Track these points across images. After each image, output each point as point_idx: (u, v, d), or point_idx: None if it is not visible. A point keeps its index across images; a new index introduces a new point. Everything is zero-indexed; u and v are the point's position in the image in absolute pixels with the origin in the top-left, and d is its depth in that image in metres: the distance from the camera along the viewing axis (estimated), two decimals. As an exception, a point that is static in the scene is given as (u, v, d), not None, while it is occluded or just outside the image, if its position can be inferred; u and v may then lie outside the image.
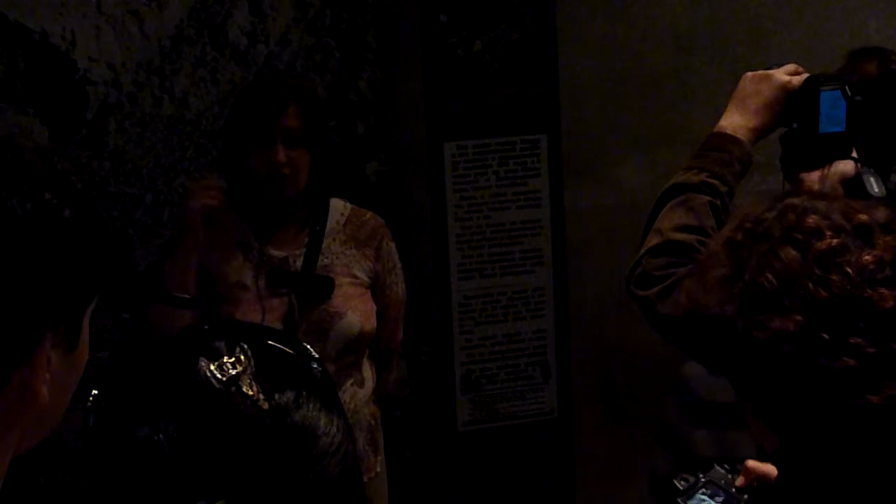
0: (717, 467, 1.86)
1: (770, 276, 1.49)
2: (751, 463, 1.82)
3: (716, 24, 4.12)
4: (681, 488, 1.83)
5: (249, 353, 1.14)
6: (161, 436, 1.10)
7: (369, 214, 3.30)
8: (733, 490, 1.81)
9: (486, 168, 3.94)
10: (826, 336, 1.45)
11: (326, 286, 3.14)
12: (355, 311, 3.16)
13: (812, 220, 1.52)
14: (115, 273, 3.66)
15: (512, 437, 4.03)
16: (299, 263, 3.15)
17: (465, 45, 3.87)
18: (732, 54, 4.12)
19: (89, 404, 1.14)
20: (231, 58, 3.80)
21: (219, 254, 3.13)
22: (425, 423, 4.00)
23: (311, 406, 1.14)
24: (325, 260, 3.17)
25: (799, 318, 1.46)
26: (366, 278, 3.23)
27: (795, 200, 1.56)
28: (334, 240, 3.21)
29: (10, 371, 1.06)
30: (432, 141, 3.91)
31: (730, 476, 1.84)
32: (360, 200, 3.36)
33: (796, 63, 2.47)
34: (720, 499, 1.80)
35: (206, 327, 1.22)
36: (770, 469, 1.75)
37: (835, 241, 1.49)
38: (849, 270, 1.46)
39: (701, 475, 1.84)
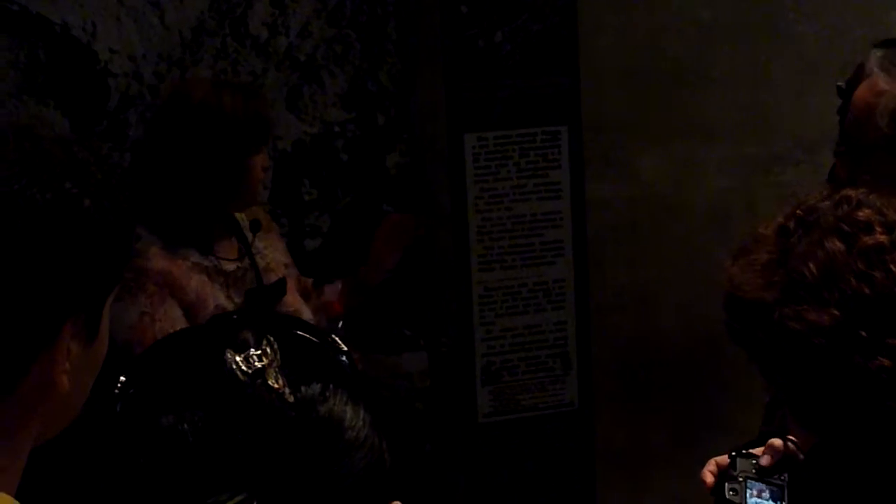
0: (739, 458, 1.82)
1: (812, 266, 1.46)
2: (776, 442, 1.79)
3: (737, 16, 4.10)
4: (729, 496, 1.79)
5: (276, 345, 1.13)
6: (185, 425, 1.10)
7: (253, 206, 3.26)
8: (771, 477, 1.77)
9: (506, 160, 3.93)
10: (863, 334, 1.42)
11: (282, 287, 3.11)
12: (299, 301, 3.17)
13: (864, 213, 1.48)
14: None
15: (532, 429, 4.03)
16: (249, 270, 3.11)
17: (486, 37, 3.86)
18: (754, 46, 4.11)
19: (117, 391, 1.14)
20: (252, 49, 3.80)
21: (188, 279, 2.98)
22: (446, 415, 4.00)
23: (337, 399, 1.14)
24: (262, 262, 3.14)
25: (836, 312, 1.43)
26: (290, 259, 3.24)
27: (852, 192, 1.53)
28: (254, 237, 3.16)
29: (29, 361, 1.06)
30: (453, 132, 3.90)
31: (753, 461, 1.81)
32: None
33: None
34: (766, 494, 1.77)
35: (235, 317, 1.22)
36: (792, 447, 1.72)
37: (884, 237, 1.46)
38: (893, 269, 1.43)
39: (737, 475, 1.80)
